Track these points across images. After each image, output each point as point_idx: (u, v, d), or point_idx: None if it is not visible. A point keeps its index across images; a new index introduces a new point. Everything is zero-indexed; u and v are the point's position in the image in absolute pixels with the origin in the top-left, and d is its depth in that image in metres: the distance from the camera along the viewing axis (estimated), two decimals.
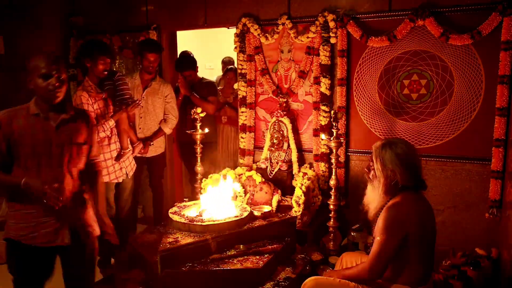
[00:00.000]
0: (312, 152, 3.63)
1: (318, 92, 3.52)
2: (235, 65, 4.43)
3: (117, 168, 3.35)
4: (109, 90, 3.29)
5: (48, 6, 4.61)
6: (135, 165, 3.58)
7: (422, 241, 2.03)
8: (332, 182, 3.19)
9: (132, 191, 3.70)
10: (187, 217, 2.86)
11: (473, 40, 2.96)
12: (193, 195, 3.81)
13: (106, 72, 3.21)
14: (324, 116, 3.49)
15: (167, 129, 3.86)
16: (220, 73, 5.65)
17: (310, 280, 2.18)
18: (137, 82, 3.73)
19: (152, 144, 3.79)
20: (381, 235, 2.02)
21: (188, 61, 4.17)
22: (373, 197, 2.20)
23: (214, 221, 2.77)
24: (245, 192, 3.57)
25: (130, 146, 3.47)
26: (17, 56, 4.46)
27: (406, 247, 2.01)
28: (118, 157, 3.34)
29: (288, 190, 3.52)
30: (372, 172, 2.18)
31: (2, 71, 4.35)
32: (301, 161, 3.71)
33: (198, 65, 4.24)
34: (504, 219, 2.93)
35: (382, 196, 2.14)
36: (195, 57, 4.52)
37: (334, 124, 3.15)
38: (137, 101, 3.36)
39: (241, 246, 2.71)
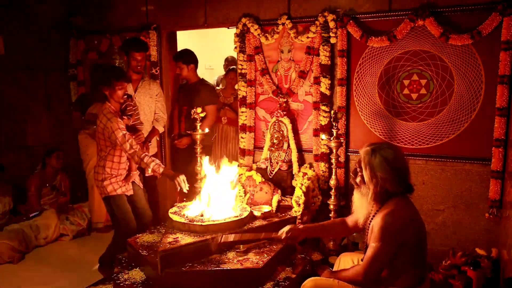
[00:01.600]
0: (312, 152, 3.63)
1: (318, 92, 3.52)
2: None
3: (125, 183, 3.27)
4: (132, 115, 3.27)
5: (48, 6, 4.61)
6: (140, 173, 3.50)
7: (417, 245, 2.03)
8: (332, 182, 3.19)
9: (146, 197, 3.62)
10: (187, 217, 2.86)
11: (473, 40, 2.96)
12: (193, 195, 3.79)
13: (125, 96, 3.16)
14: (324, 116, 3.49)
15: (161, 128, 3.86)
16: (221, 72, 5.64)
17: (309, 281, 2.17)
18: None
19: (151, 144, 3.79)
20: (377, 242, 1.99)
21: (182, 53, 4.09)
22: (361, 204, 2.14)
23: (214, 221, 2.77)
24: (245, 192, 3.57)
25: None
26: (17, 56, 4.46)
27: (402, 253, 1.99)
28: (127, 178, 3.25)
29: (288, 190, 3.52)
30: (359, 178, 2.12)
31: (2, 71, 4.35)
32: (301, 161, 3.71)
33: (197, 65, 4.13)
34: (504, 219, 2.93)
35: (371, 203, 2.10)
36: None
37: (334, 124, 3.15)
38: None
39: (241, 246, 2.70)
